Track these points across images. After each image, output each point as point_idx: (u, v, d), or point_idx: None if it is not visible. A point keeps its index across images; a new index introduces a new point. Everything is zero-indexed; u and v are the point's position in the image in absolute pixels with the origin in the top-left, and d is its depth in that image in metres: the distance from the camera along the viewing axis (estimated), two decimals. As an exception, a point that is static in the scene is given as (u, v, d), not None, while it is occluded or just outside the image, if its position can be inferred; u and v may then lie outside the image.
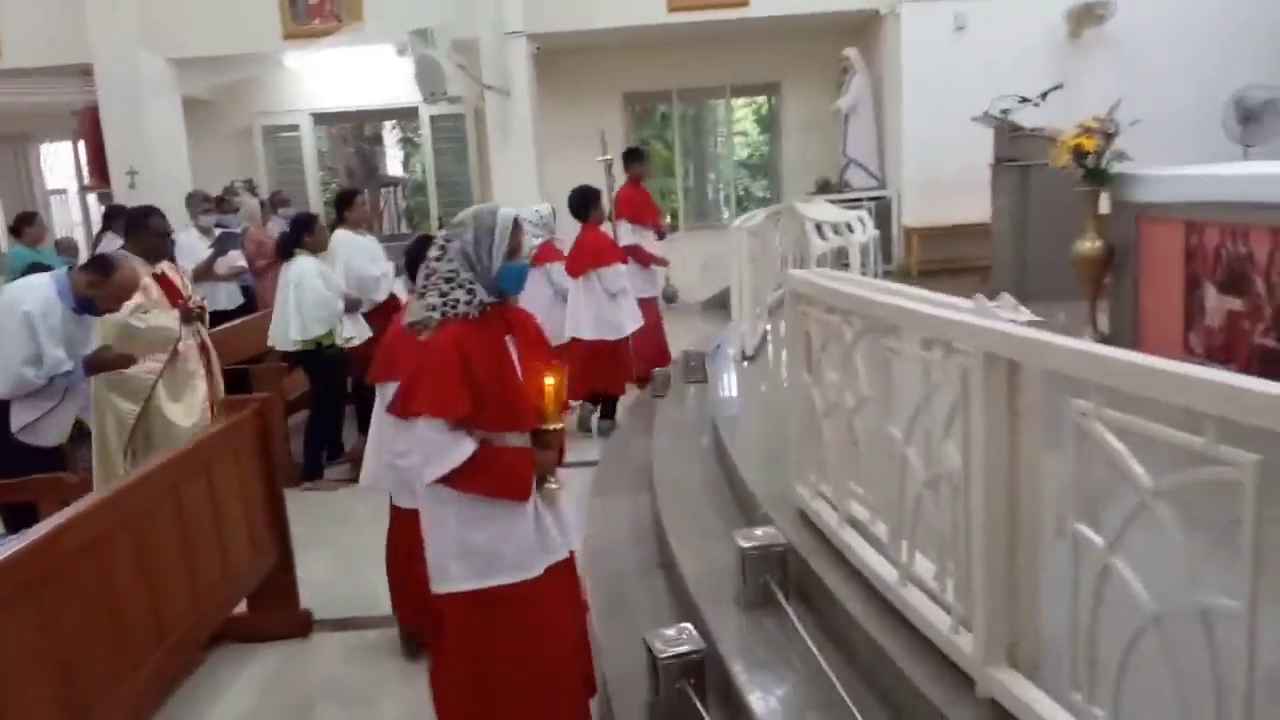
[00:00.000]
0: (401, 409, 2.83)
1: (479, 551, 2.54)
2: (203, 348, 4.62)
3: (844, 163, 10.54)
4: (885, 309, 2.54)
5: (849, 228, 9.07)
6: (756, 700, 2.71)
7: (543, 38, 10.10)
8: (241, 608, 3.95)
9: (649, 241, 7.17)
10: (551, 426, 2.57)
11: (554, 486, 2.62)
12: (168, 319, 4.37)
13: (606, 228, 6.68)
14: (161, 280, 4.45)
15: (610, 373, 6.15)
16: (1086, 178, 5.62)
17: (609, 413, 6.30)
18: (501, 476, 2.54)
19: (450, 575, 2.56)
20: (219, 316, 7.15)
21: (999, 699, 2.20)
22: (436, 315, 2.52)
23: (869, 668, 2.67)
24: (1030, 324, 2.09)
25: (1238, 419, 1.49)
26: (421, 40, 9.36)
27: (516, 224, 2.58)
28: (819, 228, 9.21)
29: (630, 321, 6.10)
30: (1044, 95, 7.76)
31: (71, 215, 12.62)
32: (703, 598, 3.34)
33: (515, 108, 9.85)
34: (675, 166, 12.01)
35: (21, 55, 9.74)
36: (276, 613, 3.98)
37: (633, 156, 7.19)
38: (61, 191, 12.81)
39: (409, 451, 2.90)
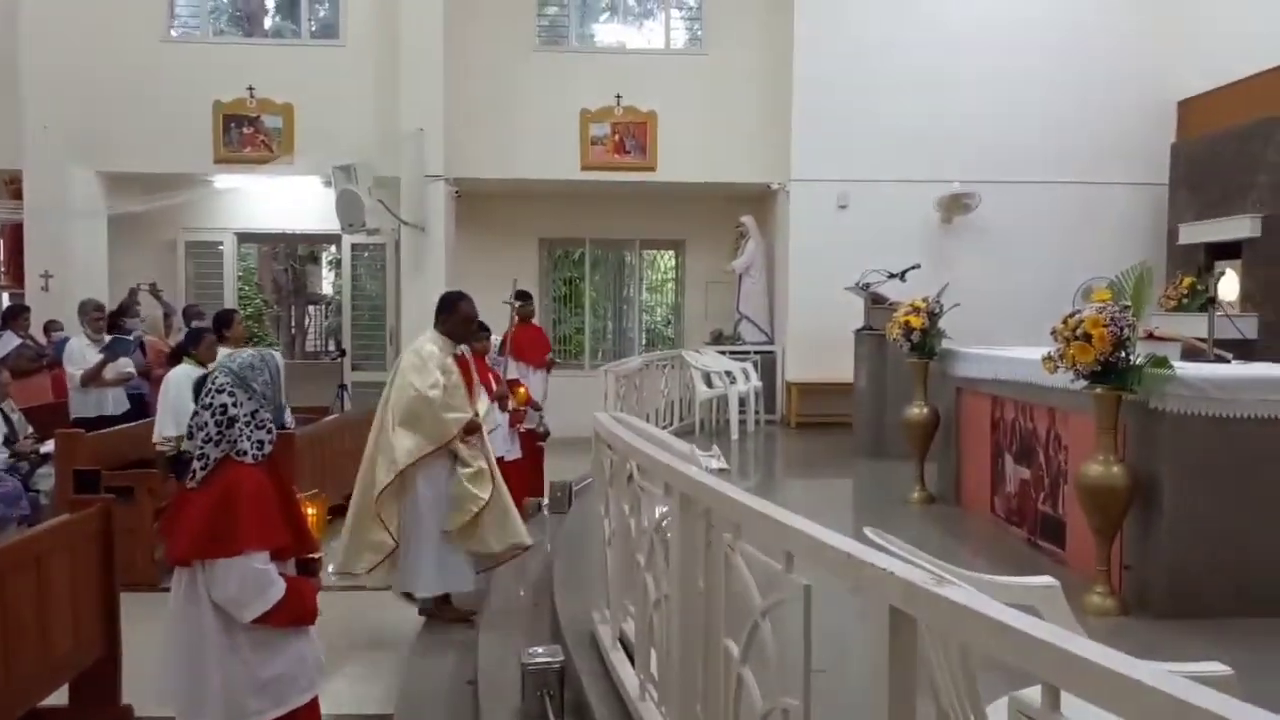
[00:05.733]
0: (213, 549, 2.56)
1: (277, 680, 2.64)
2: None
3: (738, 318, 11.27)
4: (630, 449, 2.97)
5: (731, 378, 9.70)
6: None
7: (463, 182, 10.81)
8: (64, 699, 4.09)
9: (532, 378, 7.61)
10: (316, 555, 2.85)
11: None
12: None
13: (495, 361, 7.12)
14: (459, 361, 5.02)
15: None
16: (913, 351, 6.26)
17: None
18: (302, 605, 2.69)
19: (250, 711, 2.61)
20: (106, 421, 7.38)
21: (688, 799, 2.52)
22: (249, 459, 2.62)
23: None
24: (719, 471, 2.52)
25: (797, 554, 1.92)
26: (345, 175, 9.98)
27: None
28: (707, 376, 9.84)
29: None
30: (904, 273, 8.55)
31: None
32: (489, 711, 3.61)
33: (430, 244, 10.43)
34: (585, 310, 12.64)
35: (-48, 157, 10.17)
36: (95, 708, 4.11)
37: (520, 298, 7.70)
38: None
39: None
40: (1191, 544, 4.06)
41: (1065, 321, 4.17)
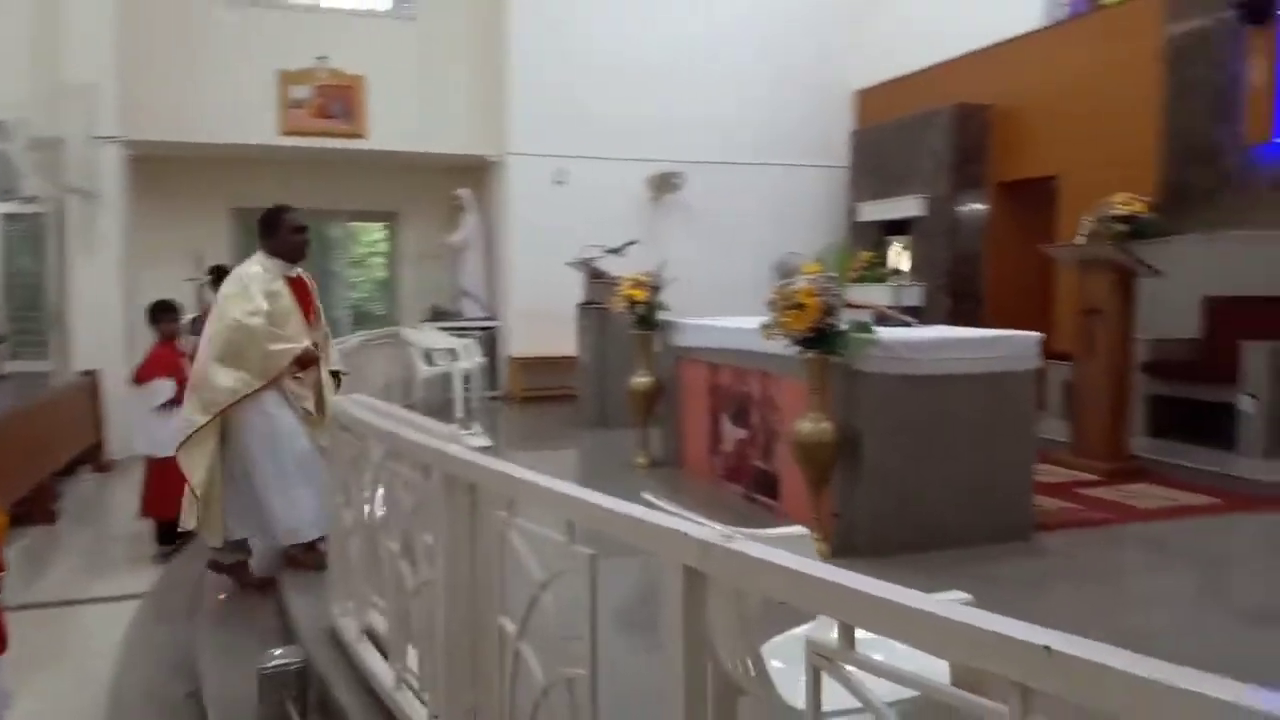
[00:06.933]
0: None
1: None
2: None
3: (459, 292, 11.08)
4: (380, 433, 2.83)
5: (454, 354, 9.54)
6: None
7: (140, 144, 9.71)
8: None
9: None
10: None
11: None
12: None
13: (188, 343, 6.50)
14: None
15: (157, 493, 5.86)
16: (637, 323, 6.48)
17: (165, 538, 5.96)
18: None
19: None
20: None
21: (456, 785, 2.46)
22: None
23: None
24: (483, 449, 2.46)
25: (579, 523, 1.93)
26: (-6, 133, 8.65)
27: None
28: (428, 354, 9.60)
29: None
30: (619, 248, 8.80)
31: None
32: (220, 721, 3.32)
33: (102, 214, 9.29)
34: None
35: None
36: None
37: (217, 274, 7.09)
38: None
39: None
40: (886, 491, 4.54)
41: (781, 292, 4.48)
